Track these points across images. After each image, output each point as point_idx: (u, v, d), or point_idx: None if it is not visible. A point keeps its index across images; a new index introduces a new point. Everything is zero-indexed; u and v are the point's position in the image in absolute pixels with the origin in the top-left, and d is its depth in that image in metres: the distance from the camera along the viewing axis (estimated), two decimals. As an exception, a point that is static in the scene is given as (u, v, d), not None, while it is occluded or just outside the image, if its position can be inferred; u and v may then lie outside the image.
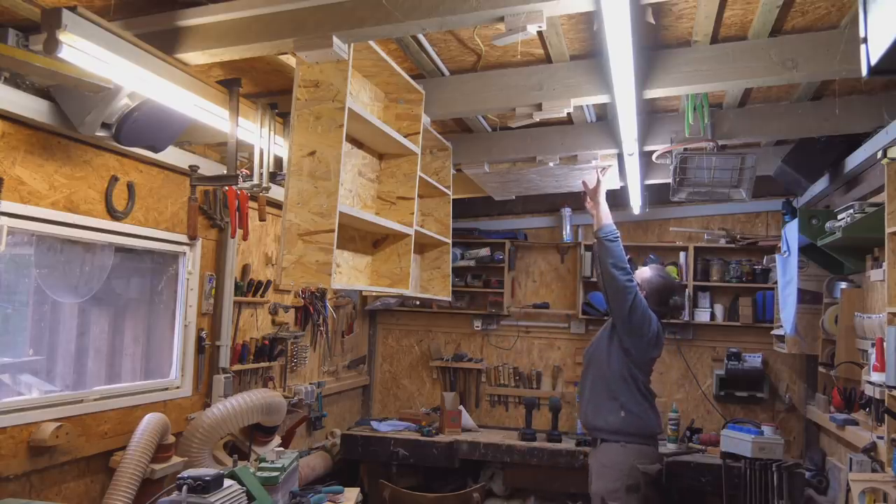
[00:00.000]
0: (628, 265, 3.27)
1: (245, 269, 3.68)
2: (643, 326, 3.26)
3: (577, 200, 5.06)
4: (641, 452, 3.20)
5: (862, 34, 1.66)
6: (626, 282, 3.20)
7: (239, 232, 3.14)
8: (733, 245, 4.90)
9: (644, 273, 3.48)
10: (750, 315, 4.80)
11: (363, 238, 2.89)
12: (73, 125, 2.41)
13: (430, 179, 3.33)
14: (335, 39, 2.13)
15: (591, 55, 2.89)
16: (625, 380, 3.25)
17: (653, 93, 2.84)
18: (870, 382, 2.92)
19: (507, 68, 3.03)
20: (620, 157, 3.77)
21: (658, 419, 3.37)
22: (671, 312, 3.54)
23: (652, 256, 4.99)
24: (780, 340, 4.39)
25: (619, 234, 3.29)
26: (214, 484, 2.25)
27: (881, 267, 2.97)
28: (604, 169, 3.57)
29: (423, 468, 4.71)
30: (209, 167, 3.23)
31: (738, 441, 4.04)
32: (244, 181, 2.88)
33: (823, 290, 4.13)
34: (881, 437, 2.96)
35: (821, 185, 3.94)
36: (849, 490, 2.86)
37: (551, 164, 4.06)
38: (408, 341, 5.65)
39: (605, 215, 3.34)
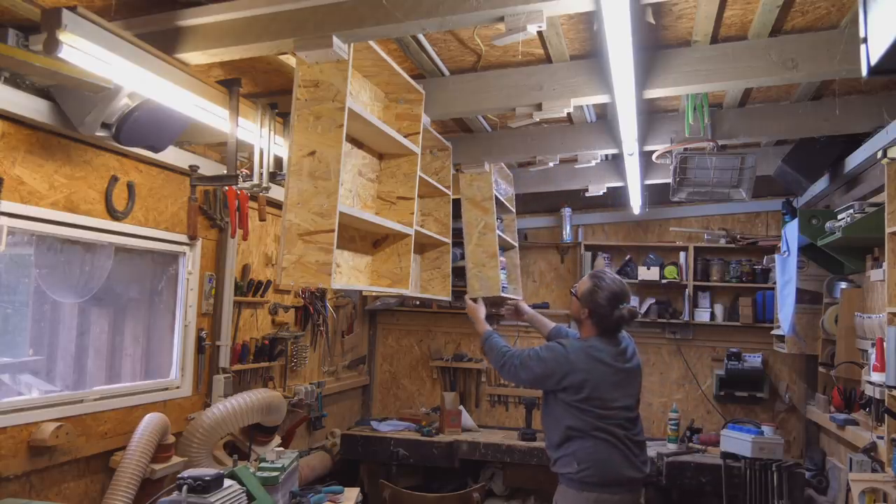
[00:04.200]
0: (495, 350, 2.91)
1: (245, 269, 3.68)
2: (549, 379, 2.74)
3: (577, 200, 5.09)
4: (600, 501, 2.68)
5: (862, 34, 1.65)
6: (503, 365, 2.85)
7: (239, 232, 3.14)
8: (733, 245, 4.90)
9: (583, 285, 2.87)
10: (750, 315, 4.80)
11: (363, 238, 2.89)
12: (73, 125, 2.41)
13: (430, 179, 3.33)
14: (335, 39, 2.13)
15: (591, 55, 2.89)
16: (575, 429, 2.71)
17: (653, 93, 2.85)
18: (870, 382, 2.92)
19: (507, 68, 3.03)
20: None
21: (631, 461, 2.72)
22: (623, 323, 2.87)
23: (651, 256, 5.00)
24: (780, 340, 4.39)
25: (488, 336, 3.00)
26: (214, 484, 2.25)
27: (881, 267, 2.97)
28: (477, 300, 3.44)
29: (423, 468, 4.71)
30: (209, 167, 3.22)
31: (738, 441, 4.04)
32: (244, 181, 2.88)
33: (823, 290, 4.13)
34: (881, 437, 2.96)
35: (821, 185, 3.94)
36: (849, 490, 2.86)
37: (551, 164, 4.07)
38: (408, 341, 5.65)
39: (478, 324, 3.16)
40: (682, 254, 4.96)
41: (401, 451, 4.52)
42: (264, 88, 3.07)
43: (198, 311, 3.30)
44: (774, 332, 4.48)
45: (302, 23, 2.17)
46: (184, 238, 3.18)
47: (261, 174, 2.88)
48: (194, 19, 2.28)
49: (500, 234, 4.26)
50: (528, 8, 1.97)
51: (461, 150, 3.85)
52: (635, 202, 4.61)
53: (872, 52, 1.62)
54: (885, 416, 2.82)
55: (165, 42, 2.29)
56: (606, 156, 4.33)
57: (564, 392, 2.74)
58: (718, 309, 4.92)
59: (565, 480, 2.76)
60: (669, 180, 3.71)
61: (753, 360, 4.71)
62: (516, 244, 4.84)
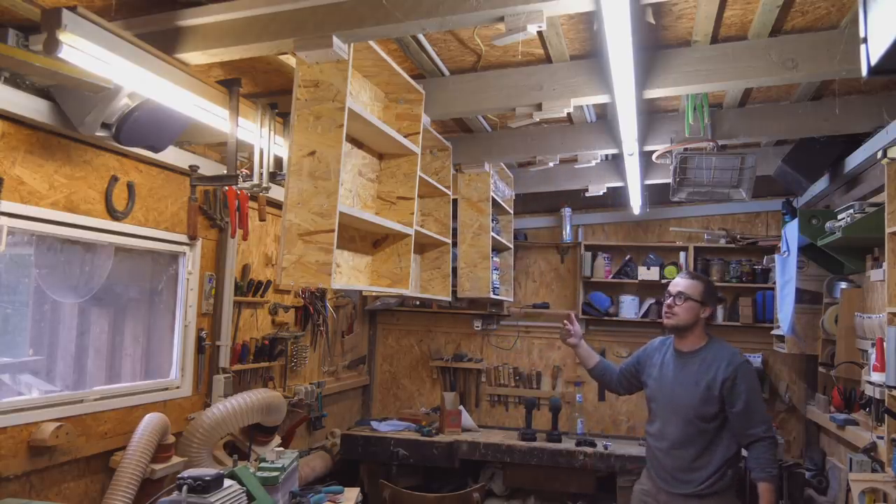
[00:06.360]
0: (770, 463, 2.83)
1: (245, 269, 3.68)
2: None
3: (577, 200, 5.08)
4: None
5: (862, 34, 1.66)
6: (775, 447, 2.89)
7: (239, 232, 3.14)
8: (733, 245, 4.90)
9: (696, 287, 2.96)
10: (750, 315, 4.80)
11: (363, 238, 2.89)
12: (73, 125, 2.41)
13: (430, 179, 3.33)
14: (335, 39, 2.13)
15: (591, 55, 2.89)
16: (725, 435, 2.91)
17: (653, 93, 2.85)
18: (870, 382, 2.92)
19: (507, 68, 3.03)
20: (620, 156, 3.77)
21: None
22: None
23: (651, 256, 5.00)
24: (780, 340, 4.38)
25: (770, 482, 2.81)
26: (214, 484, 2.25)
27: (881, 267, 2.96)
28: None
29: (423, 468, 4.71)
30: (209, 167, 3.22)
31: (738, 441, 4.03)
32: (244, 181, 2.88)
33: (823, 290, 4.13)
34: (881, 437, 2.96)
35: (821, 185, 3.94)
36: (849, 490, 2.86)
37: (551, 164, 4.07)
38: (408, 341, 5.64)
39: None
40: (682, 254, 4.96)
41: (401, 451, 4.52)
42: (264, 88, 3.07)
43: (198, 311, 3.30)
44: (774, 332, 4.48)
45: (302, 23, 2.17)
46: (184, 238, 3.18)
47: (261, 174, 2.88)
48: (194, 19, 2.28)
49: (496, 235, 4.27)
50: (528, 8, 1.97)
51: (461, 150, 3.85)
52: (635, 202, 4.61)
53: (872, 52, 1.62)
54: (885, 416, 2.82)
55: (165, 42, 2.29)
56: (606, 156, 4.33)
57: None
58: (718, 309, 4.91)
59: (730, 491, 2.90)
60: (669, 180, 3.71)
61: (753, 360, 4.70)
62: (511, 245, 4.85)
